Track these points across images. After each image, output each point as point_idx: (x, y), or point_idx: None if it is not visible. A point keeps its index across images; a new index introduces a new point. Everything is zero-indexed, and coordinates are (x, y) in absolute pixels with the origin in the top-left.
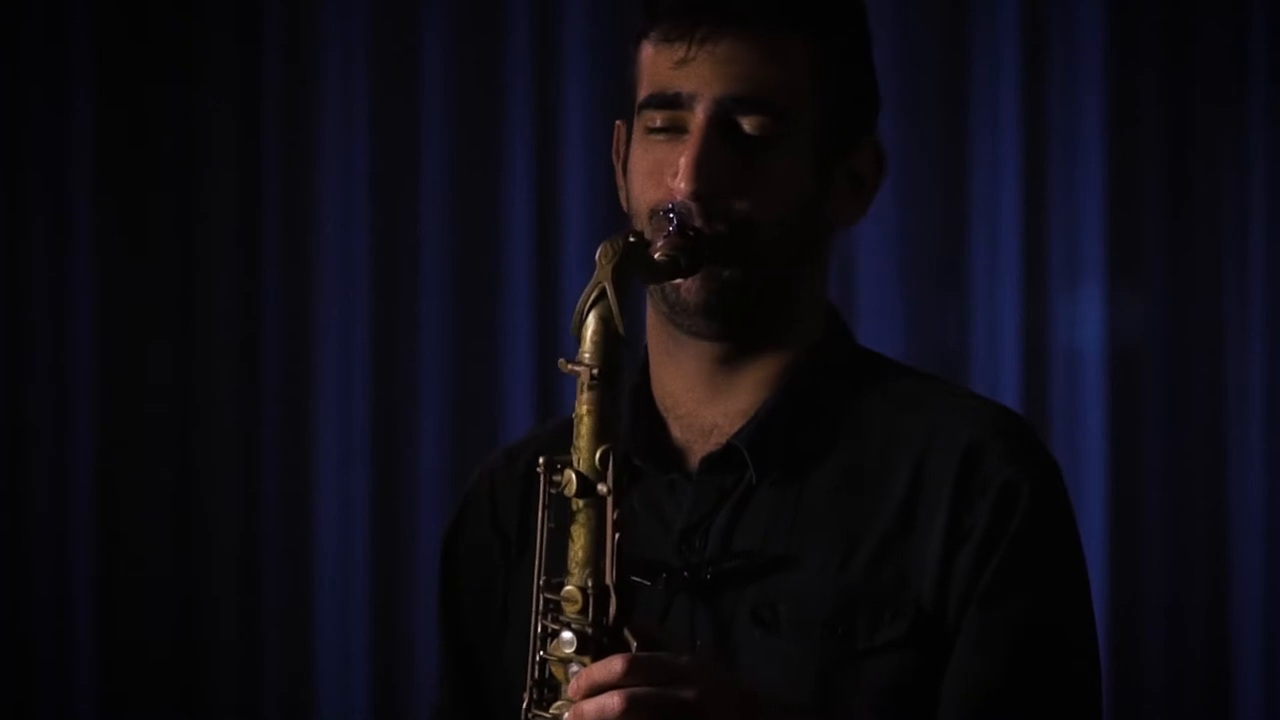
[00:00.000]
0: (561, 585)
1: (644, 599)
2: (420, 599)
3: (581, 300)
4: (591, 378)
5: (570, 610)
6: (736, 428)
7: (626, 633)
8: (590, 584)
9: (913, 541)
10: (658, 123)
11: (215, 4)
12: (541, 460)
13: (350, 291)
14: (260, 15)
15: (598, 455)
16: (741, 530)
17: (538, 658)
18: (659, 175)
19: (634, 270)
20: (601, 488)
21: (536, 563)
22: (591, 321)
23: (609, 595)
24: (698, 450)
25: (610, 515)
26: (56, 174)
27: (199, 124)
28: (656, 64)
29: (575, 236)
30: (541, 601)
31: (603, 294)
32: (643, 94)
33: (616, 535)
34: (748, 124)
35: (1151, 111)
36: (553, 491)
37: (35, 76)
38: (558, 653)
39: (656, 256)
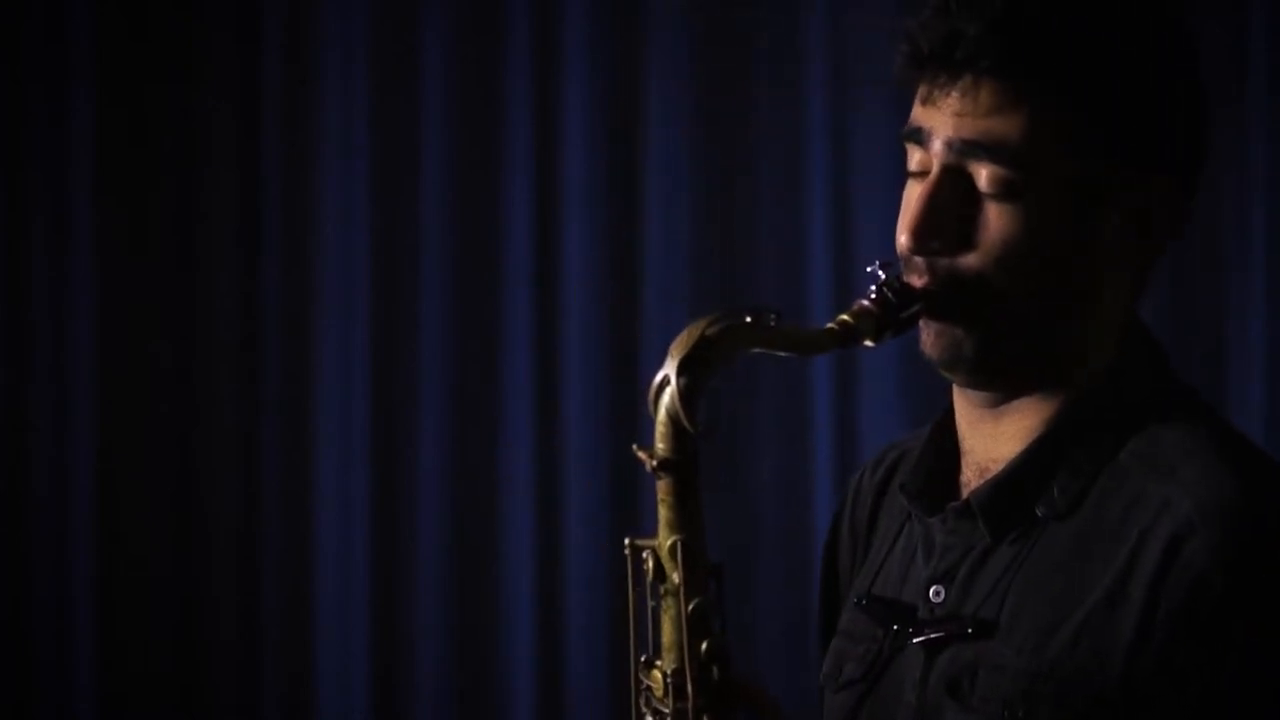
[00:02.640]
0: (652, 667)
1: (879, 638)
2: (420, 599)
3: (653, 385)
4: (653, 469)
5: (657, 694)
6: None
7: None
8: (672, 671)
9: (1115, 624)
10: (913, 164)
11: (215, 4)
12: (628, 541)
13: (350, 291)
14: (260, 15)
15: (667, 547)
16: (977, 587)
17: None
18: (904, 219)
19: (755, 347)
20: (675, 578)
21: (632, 643)
22: (660, 411)
23: (686, 683)
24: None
25: (684, 607)
26: (56, 174)
27: (199, 124)
28: (917, 97)
29: (575, 236)
30: (641, 683)
31: (667, 384)
32: None
33: (692, 626)
34: (982, 174)
35: None
36: (644, 570)
37: (35, 76)
38: None
39: (834, 321)
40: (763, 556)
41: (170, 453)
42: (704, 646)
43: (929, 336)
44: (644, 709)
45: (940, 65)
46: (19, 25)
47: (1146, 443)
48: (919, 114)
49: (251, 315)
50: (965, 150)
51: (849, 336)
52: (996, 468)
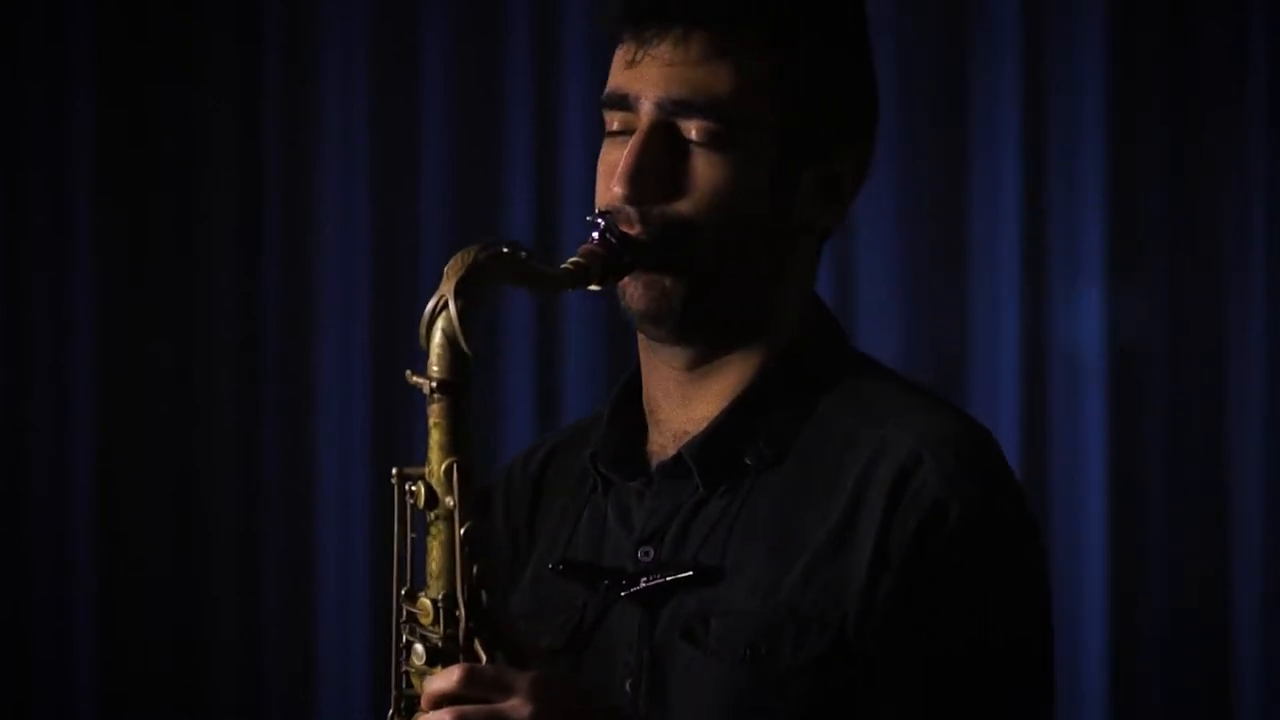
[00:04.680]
0: (417, 596)
1: (578, 607)
2: None
3: (427, 310)
4: (431, 390)
5: (424, 622)
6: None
7: (478, 645)
8: (442, 596)
9: (844, 560)
10: (614, 125)
11: (215, 4)
12: (395, 470)
13: (350, 291)
14: (260, 15)
15: (443, 469)
16: (690, 542)
17: (402, 670)
18: (609, 177)
19: (511, 280)
20: (449, 501)
21: (395, 573)
22: (436, 334)
23: (457, 607)
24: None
25: (458, 529)
26: (56, 174)
27: (199, 124)
28: (616, 64)
29: (575, 236)
30: (402, 613)
31: (444, 306)
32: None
33: (466, 549)
34: (691, 128)
35: (1152, 111)
36: (410, 502)
37: (35, 76)
38: (413, 665)
39: (566, 263)
40: None
41: (170, 453)
42: (475, 570)
43: (636, 289)
44: (410, 637)
45: (652, 17)
46: (19, 25)
47: (847, 395)
48: (625, 79)
49: (251, 315)
50: (674, 110)
51: (580, 278)
52: (696, 429)
